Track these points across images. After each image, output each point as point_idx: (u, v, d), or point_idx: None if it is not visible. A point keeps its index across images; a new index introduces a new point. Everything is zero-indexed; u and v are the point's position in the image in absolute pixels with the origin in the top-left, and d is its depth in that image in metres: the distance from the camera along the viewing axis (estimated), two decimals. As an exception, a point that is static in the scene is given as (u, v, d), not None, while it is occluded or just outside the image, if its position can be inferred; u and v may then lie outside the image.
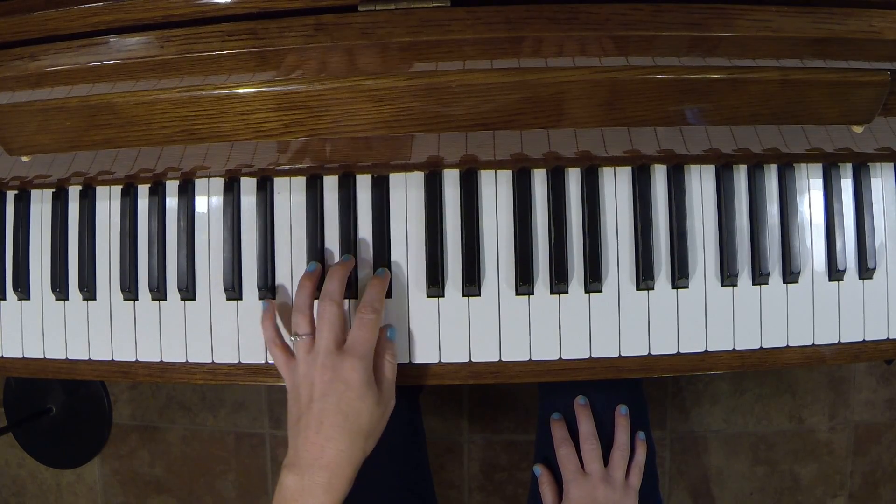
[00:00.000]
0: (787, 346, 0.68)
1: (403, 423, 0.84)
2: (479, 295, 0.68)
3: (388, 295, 0.67)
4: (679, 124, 0.59)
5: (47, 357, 0.72)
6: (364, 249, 0.68)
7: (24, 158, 0.64)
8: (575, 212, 0.68)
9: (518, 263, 0.67)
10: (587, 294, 0.67)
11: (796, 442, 1.52)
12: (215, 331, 0.69)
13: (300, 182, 0.69)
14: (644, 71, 0.55)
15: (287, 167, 0.68)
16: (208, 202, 0.70)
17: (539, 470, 0.79)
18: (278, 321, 0.66)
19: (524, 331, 0.67)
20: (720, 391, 1.52)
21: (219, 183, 0.70)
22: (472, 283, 0.67)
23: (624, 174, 0.68)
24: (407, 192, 0.68)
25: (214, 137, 0.59)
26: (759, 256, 0.67)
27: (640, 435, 0.78)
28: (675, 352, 0.67)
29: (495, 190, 0.68)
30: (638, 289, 0.68)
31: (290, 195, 0.69)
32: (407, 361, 0.68)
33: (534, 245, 0.68)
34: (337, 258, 0.68)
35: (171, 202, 0.70)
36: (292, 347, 0.63)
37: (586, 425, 0.76)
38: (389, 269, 0.67)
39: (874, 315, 0.68)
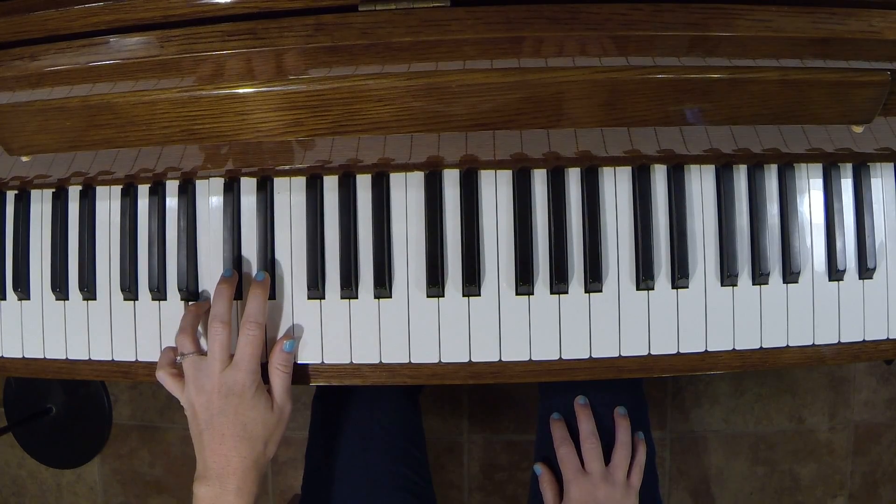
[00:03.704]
0: (787, 346, 0.68)
1: (403, 423, 0.84)
2: (479, 295, 0.67)
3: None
4: (679, 124, 0.59)
5: (47, 357, 0.72)
6: (364, 249, 0.68)
7: (24, 158, 0.64)
8: (575, 212, 0.68)
9: (518, 263, 0.67)
10: (587, 294, 0.67)
11: (796, 442, 1.52)
12: (215, 331, 0.69)
13: (300, 182, 0.69)
14: (644, 71, 0.55)
15: (287, 167, 0.68)
16: (208, 202, 0.70)
17: (540, 469, 0.79)
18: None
19: (524, 331, 0.67)
20: (720, 391, 1.52)
21: (219, 183, 0.70)
22: (472, 283, 0.67)
23: (624, 174, 0.68)
24: (407, 192, 0.68)
25: (214, 137, 0.59)
26: (759, 256, 0.67)
27: (640, 434, 0.78)
28: (675, 352, 0.67)
29: (495, 190, 0.68)
30: (638, 289, 0.68)
31: (290, 195, 0.69)
32: (406, 361, 0.68)
33: (534, 245, 0.68)
34: (336, 258, 0.68)
35: (171, 202, 0.70)
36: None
37: (586, 424, 0.77)
38: (389, 271, 0.68)
39: (874, 315, 0.68)
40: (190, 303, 0.69)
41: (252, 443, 0.62)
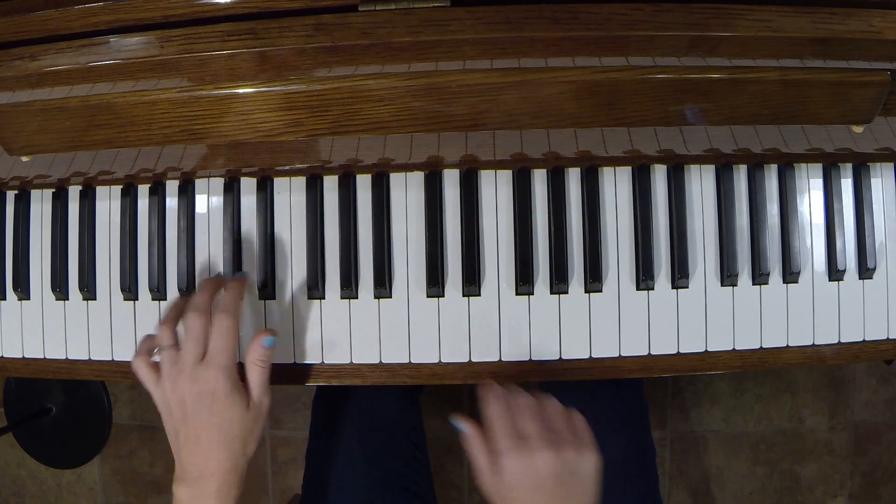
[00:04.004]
0: (787, 346, 0.68)
1: (403, 423, 0.84)
2: (479, 295, 0.67)
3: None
4: (679, 124, 0.59)
5: (47, 357, 0.72)
6: (364, 249, 0.68)
7: (24, 158, 0.64)
8: (575, 212, 0.68)
9: (518, 263, 0.67)
10: (587, 294, 0.67)
11: (796, 442, 1.52)
12: (215, 331, 0.69)
13: (300, 182, 0.69)
14: (644, 71, 0.55)
15: (287, 167, 0.68)
16: (208, 202, 0.70)
17: (465, 426, 0.61)
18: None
19: (524, 331, 0.67)
20: (720, 391, 1.52)
21: (219, 183, 0.70)
22: (472, 283, 0.67)
23: (624, 174, 0.68)
24: (407, 192, 0.68)
25: (214, 137, 0.59)
26: (759, 256, 0.67)
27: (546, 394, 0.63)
28: (675, 352, 0.67)
29: (495, 190, 0.68)
30: (638, 289, 0.68)
31: (290, 195, 0.69)
32: (406, 361, 0.68)
33: (534, 245, 0.68)
34: (336, 258, 0.68)
35: (171, 202, 0.70)
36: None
37: (521, 396, 0.61)
38: (389, 271, 0.67)
39: (874, 315, 0.68)
40: (178, 297, 0.67)
41: (229, 444, 0.59)
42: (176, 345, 0.61)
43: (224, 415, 0.59)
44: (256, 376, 0.62)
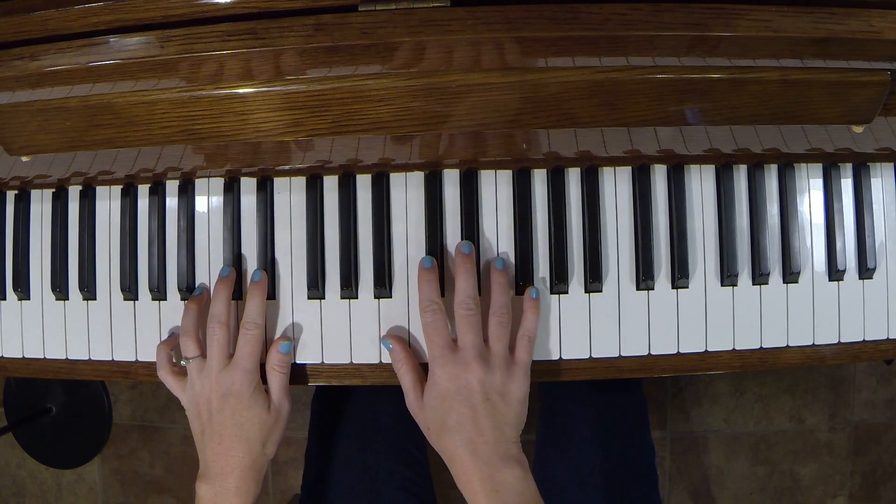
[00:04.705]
0: (787, 346, 0.68)
1: (404, 422, 0.84)
2: (478, 294, 0.67)
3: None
4: (679, 124, 0.59)
5: (47, 357, 0.72)
6: (364, 249, 0.68)
7: (24, 158, 0.64)
8: (575, 212, 0.68)
9: (518, 263, 0.67)
10: (587, 294, 0.67)
11: (796, 442, 1.52)
12: (215, 331, 0.69)
13: (300, 182, 0.69)
14: (644, 71, 0.55)
15: (287, 167, 0.68)
16: (208, 202, 0.70)
17: (390, 343, 0.65)
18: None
19: (524, 331, 0.67)
20: (720, 391, 1.52)
21: (219, 183, 0.70)
22: (472, 283, 0.67)
23: (624, 174, 0.68)
24: (407, 192, 0.68)
25: (214, 137, 0.59)
26: (759, 256, 0.67)
27: (532, 293, 0.65)
28: (675, 352, 0.67)
29: (495, 190, 0.68)
30: (638, 289, 0.68)
31: (290, 195, 0.69)
32: (407, 361, 0.68)
33: (534, 245, 0.68)
34: (336, 259, 0.68)
35: (171, 202, 0.70)
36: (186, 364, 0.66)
37: (464, 282, 0.62)
38: (389, 271, 0.67)
39: (874, 315, 0.68)
40: (188, 301, 0.68)
41: (249, 443, 0.62)
42: (203, 355, 0.65)
43: (246, 414, 0.62)
44: (276, 381, 0.66)
